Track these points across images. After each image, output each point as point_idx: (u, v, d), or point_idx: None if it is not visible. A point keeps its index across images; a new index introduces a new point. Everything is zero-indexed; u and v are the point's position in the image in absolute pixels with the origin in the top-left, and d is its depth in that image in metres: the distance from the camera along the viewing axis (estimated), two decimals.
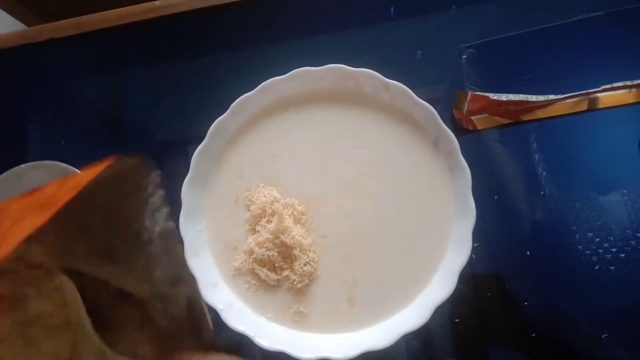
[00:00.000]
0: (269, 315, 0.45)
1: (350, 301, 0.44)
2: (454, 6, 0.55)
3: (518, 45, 0.53)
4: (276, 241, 0.44)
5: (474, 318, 0.47)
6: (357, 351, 0.41)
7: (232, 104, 0.47)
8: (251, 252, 0.45)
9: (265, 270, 0.45)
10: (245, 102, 0.47)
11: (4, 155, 0.58)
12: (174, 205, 0.46)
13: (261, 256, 0.44)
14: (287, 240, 0.44)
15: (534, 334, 0.46)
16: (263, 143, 0.48)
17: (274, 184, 0.47)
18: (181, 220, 0.45)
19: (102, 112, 0.60)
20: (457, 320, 0.47)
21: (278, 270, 0.45)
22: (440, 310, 0.42)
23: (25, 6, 0.87)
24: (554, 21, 0.53)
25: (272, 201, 0.46)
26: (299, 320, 0.44)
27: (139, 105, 0.60)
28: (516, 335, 0.46)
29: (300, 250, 0.44)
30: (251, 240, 0.46)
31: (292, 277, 0.45)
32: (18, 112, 0.61)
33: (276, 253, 0.45)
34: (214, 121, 0.47)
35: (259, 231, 0.46)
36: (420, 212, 0.45)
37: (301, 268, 0.44)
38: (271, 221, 0.45)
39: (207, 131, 0.47)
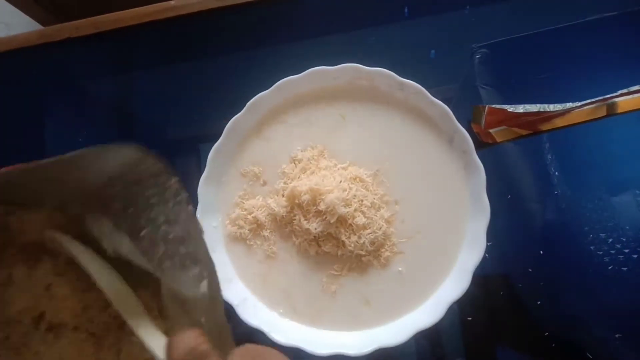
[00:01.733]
0: (281, 311, 0.45)
1: (365, 299, 0.45)
2: (467, 6, 0.55)
3: (531, 45, 0.53)
4: (249, 217, 0.46)
5: (486, 317, 0.47)
6: (371, 347, 0.41)
7: (248, 103, 0.47)
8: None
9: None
10: (261, 101, 0.47)
11: (22, 152, 0.59)
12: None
13: (234, 233, 0.47)
14: (261, 217, 0.46)
15: (546, 334, 0.46)
16: (277, 141, 0.49)
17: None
18: (197, 216, 0.45)
19: (118, 110, 0.61)
20: (469, 319, 0.47)
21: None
22: (450, 309, 0.42)
23: (42, 6, 0.89)
24: (567, 21, 0.53)
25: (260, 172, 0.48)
26: (313, 317, 0.45)
27: (154, 103, 0.60)
28: (528, 335, 0.46)
29: (270, 232, 0.47)
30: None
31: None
32: (36, 110, 0.62)
33: (247, 230, 0.47)
34: (226, 119, 0.47)
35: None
36: (435, 210, 0.45)
37: (270, 247, 0.46)
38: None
39: (219, 129, 0.47)
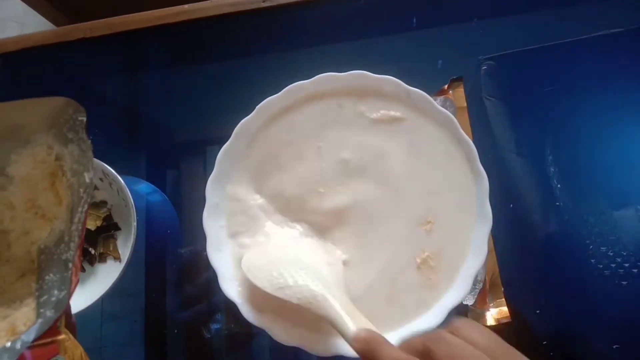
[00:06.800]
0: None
1: (369, 307, 0.43)
2: (475, 18, 0.56)
3: (537, 58, 0.54)
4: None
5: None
6: None
7: (258, 106, 0.48)
8: None
9: None
10: (270, 105, 0.48)
11: None
12: (192, 201, 0.47)
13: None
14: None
15: (544, 342, 0.46)
16: (284, 143, 0.49)
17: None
18: (205, 215, 0.46)
19: (127, 110, 0.62)
20: None
21: None
22: (449, 317, 0.42)
23: (55, 6, 0.90)
24: (574, 36, 0.54)
25: None
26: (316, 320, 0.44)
27: (163, 105, 0.61)
28: (525, 343, 0.46)
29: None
30: None
31: None
32: None
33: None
34: (234, 122, 0.48)
35: None
36: (441, 217, 0.45)
37: None
38: None
39: (226, 132, 0.48)
